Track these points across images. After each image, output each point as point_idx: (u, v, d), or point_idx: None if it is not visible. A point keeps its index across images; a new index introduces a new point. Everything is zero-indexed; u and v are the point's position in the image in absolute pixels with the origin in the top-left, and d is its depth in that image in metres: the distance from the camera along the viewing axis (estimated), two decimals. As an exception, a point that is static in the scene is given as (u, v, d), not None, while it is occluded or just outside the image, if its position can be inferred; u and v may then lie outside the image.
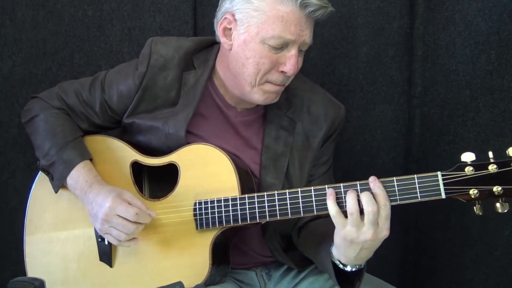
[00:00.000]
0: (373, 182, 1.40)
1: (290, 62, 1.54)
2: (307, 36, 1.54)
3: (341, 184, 1.45)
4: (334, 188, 1.45)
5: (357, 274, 1.49)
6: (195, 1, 2.12)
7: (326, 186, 1.47)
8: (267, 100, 1.61)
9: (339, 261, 1.47)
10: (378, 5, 2.12)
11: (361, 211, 1.39)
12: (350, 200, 1.39)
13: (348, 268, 1.47)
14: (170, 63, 1.66)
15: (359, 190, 1.42)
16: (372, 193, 1.39)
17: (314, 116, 1.72)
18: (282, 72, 1.56)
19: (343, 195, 1.43)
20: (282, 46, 1.53)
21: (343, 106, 1.77)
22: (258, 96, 1.60)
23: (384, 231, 1.39)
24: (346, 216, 1.40)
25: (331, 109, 1.74)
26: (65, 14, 2.09)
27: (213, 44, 1.71)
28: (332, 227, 1.44)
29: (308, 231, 1.68)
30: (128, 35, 2.12)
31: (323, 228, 1.58)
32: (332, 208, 1.41)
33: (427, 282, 2.24)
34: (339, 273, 1.49)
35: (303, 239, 1.69)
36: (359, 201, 1.39)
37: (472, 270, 2.18)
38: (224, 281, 1.65)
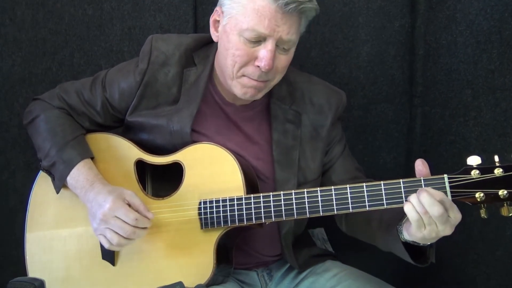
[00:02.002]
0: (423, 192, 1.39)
1: (264, 57, 1.52)
2: (284, 32, 1.52)
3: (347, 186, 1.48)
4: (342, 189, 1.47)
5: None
6: (195, 0, 2.12)
7: (332, 187, 1.48)
8: (246, 94, 1.60)
9: (414, 242, 1.46)
10: (379, 4, 2.12)
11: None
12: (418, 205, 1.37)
13: (428, 243, 1.46)
14: (171, 59, 1.66)
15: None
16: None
17: (318, 106, 1.73)
18: (257, 66, 1.55)
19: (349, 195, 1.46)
20: (259, 40, 1.53)
21: (343, 92, 1.79)
22: (237, 90, 1.60)
23: (457, 216, 1.38)
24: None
25: (333, 97, 1.76)
26: (65, 13, 2.08)
27: (213, 42, 1.71)
28: (386, 212, 1.46)
29: (355, 219, 1.69)
30: (129, 34, 2.11)
31: (377, 215, 1.58)
32: (413, 216, 1.38)
33: (428, 282, 2.24)
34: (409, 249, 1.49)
35: (352, 226, 1.72)
36: None
37: (473, 270, 2.18)
38: (227, 281, 1.65)
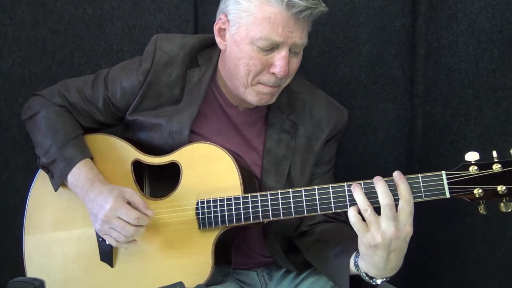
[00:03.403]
0: (398, 176, 1.39)
1: (280, 64, 1.52)
2: (297, 38, 1.51)
3: (345, 184, 1.45)
4: (339, 187, 1.45)
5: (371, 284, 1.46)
6: (196, -1, 2.12)
7: (330, 185, 1.46)
8: (261, 101, 1.60)
9: (366, 274, 1.43)
10: (380, 3, 2.11)
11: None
12: (359, 197, 1.38)
13: (379, 281, 1.43)
14: (174, 60, 1.65)
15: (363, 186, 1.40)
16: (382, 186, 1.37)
17: (317, 119, 1.72)
18: (273, 73, 1.54)
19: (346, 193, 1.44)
20: (273, 48, 1.52)
21: (345, 110, 1.77)
22: (251, 97, 1.59)
23: (408, 227, 1.36)
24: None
25: (334, 113, 1.74)
26: (65, 12, 2.08)
27: None
28: (345, 235, 1.42)
29: (314, 237, 1.67)
30: (129, 34, 2.11)
31: (334, 236, 1.57)
32: (352, 216, 1.38)
33: (429, 282, 2.23)
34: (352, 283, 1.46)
35: (307, 244, 1.68)
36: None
37: (474, 270, 2.17)
38: (226, 281, 1.65)
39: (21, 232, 1.72)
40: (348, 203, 1.43)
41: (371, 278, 1.43)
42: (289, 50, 1.53)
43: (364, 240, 1.37)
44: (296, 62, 1.59)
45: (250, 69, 1.54)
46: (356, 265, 1.44)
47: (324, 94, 1.78)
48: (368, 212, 1.36)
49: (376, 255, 1.37)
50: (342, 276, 1.48)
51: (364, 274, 1.43)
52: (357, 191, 1.39)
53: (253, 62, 1.53)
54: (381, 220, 1.35)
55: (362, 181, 1.43)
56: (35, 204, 1.71)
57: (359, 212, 1.39)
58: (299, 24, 1.51)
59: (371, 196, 1.40)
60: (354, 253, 1.45)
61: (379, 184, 1.38)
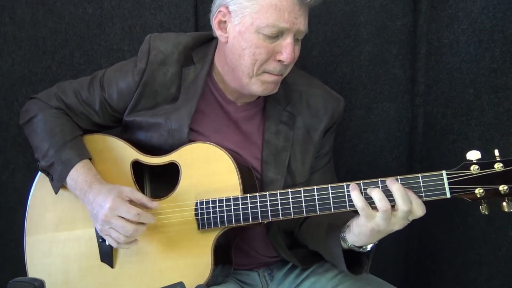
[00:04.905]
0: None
1: (287, 51, 1.53)
2: (301, 24, 1.54)
3: (344, 184, 1.45)
4: (338, 187, 1.45)
5: (366, 253, 1.49)
6: (196, -2, 2.12)
7: (329, 185, 1.46)
8: (266, 90, 1.60)
9: (354, 245, 1.46)
10: (381, 3, 2.11)
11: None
12: (381, 198, 1.38)
13: (368, 248, 1.47)
14: (169, 58, 1.65)
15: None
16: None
17: (314, 109, 1.72)
18: (279, 61, 1.55)
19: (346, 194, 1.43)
20: (278, 35, 1.53)
21: (342, 98, 1.78)
22: (256, 87, 1.59)
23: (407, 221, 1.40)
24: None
25: (331, 102, 1.74)
26: (65, 12, 2.08)
27: (212, 39, 1.70)
28: (336, 216, 1.44)
29: (310, 222, 1.67)
30: (129, 33, 2.11)
31: (328, 219, 1.57)
32: (359, 201, 1.39)
33: (430, 282, 2.23)
34: (347, 257, 1.48)
35: (305, 230, 1.69)
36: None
37: (476, 270, 2.16)
38: (227, 281, 1.64)
39: (21, 232, 1.72)
40: (347, 203, 1.43)
41: (360, 247, 1.47)
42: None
43: (368, 225, 1.39)
44: (298, 50, 1.60)
45: (256, 58, 1.55)
46: (344, 239, 1.47)
47: (320, 84, 1.79)
48: (387, 212, 1.37)
49: (374, 237, 1.42)
50: (336, 252, 1.49)
51: (353, 245, 1.46)
52: (355, 191, 1.40)
53: (259, 51, 1.54)
54: (394, 216, 1.38)
55: (362, 181, 1.43)
56: (37, 205, 1.71)
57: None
58: (303, 10, 1.53)
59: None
60: (341, 229, 1.48)
61: (397, 189, 1.38)
